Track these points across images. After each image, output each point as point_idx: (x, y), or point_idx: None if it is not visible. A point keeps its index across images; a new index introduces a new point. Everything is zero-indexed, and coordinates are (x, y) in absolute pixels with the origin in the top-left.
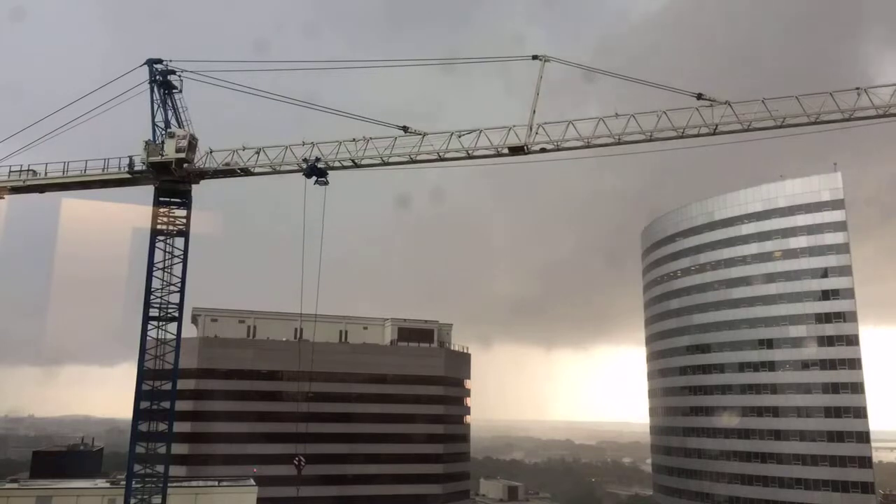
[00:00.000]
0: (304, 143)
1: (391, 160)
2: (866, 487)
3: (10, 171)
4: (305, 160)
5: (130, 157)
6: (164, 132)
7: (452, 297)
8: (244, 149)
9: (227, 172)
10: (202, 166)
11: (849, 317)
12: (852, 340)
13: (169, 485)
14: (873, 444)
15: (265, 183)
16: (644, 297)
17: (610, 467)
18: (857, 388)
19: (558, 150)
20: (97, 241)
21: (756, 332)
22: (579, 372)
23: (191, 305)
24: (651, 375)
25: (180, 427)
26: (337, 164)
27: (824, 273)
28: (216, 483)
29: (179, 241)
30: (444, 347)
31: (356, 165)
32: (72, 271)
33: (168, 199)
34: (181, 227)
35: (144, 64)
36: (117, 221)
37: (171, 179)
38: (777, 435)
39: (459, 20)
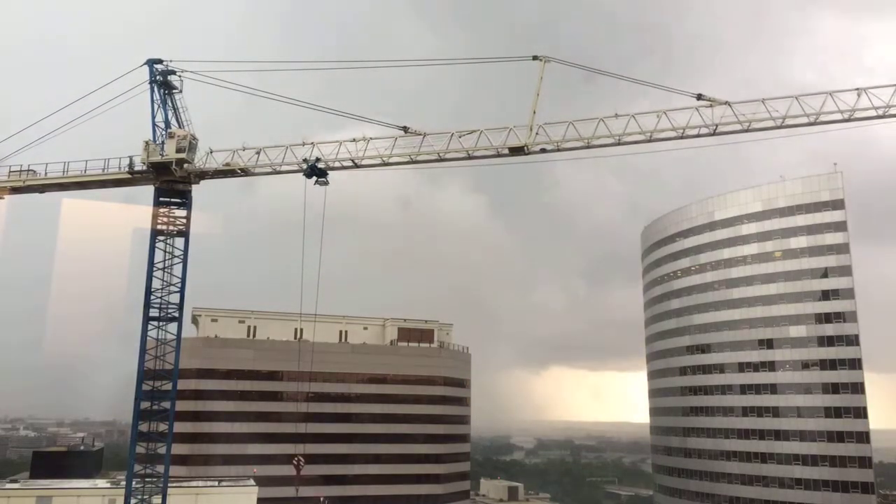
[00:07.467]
0: (304, 144)
1: (391, 160)
2: (866, 487)
3: (10, 171)
4: (306, 160)
5: (130, 158)
6: (164, 132)
7: (453, 296)
8: (244, 149)
9: (227, 172)
10: (202, 166)
11: (849, 317)
12: (852, 340)
13: (169, 485)
14: (873, 445)
15: (266, 183)
16: (644, 297)
17: (610, 467)
18: (857, 388)
19: (558, 150)
20: (97, 241)
21: (756, 332)
22: (578, 372)
23: (191, 305)
24: (651, 375)
25: (180, 427)
26: (337, 164)
27: (824, 273)
28: (216, 483)
29: (179, 241)
30: (444, 347)
31: (356, 166)
32: (72, 271)
33: (168, 199)
34: (181, 227)
35: (144, 64)
36: (117, 221)
37: (171, 179)
38: (777, 435)
39: (460, 20)
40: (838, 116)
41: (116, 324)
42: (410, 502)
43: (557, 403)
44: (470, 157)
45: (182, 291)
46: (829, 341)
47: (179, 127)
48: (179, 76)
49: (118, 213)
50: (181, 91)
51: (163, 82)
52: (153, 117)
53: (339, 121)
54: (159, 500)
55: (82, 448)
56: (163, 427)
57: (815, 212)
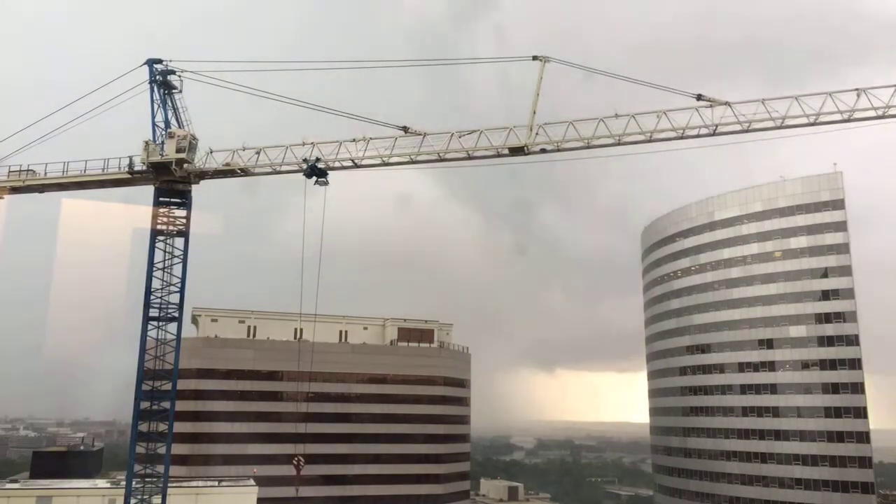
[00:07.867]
0: (304, 144)
1: (391, 160)
2: (866, 487)
3: (10, 171)
4: (305, 160)
5: (130, 158)
6: (164, 132)
7: (453, 296)
8: (244, 149)
9: (227, 172)
10: (202, 166)
11: (849, 317)
12: (852, 340)
13: (169, 485)
14: (873, 445)
15: (266, 183)
16: (644, 297)
17: (610, 467)
18: (857, 388)
19: (558, 150)
20: (97, 241)
21: (756, 332)
22: (578, 372)
23: (191, 305)
24: (651, 375)
25: (180, 427)
26: (337, 164)
27: (824, 273)
28: (216, 483)
29: (179, 242)
30: (444, 347)
31: (356, 166)
32: (71, 271)
33: (168, 199)
34: (181, 227)
35: (144, 64)
36: (117, 221)
37: (171, 179)
38: (777, 435)
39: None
40: (838, 116)
41: (116, 324)
42: (410, 502)
43: (557, 403)
44: (470, 157)
45: (182, 291)
46: (829, 341)
47: (179, 127)
48: (179, 76)
49: (118, 213)
50: (181, 91)
51: (162, 82)
52: (153, 117)
53: (339, 121)
54: (159, 500)
55: (82, 448)
56: (163, 427)
57: (815, 212)
